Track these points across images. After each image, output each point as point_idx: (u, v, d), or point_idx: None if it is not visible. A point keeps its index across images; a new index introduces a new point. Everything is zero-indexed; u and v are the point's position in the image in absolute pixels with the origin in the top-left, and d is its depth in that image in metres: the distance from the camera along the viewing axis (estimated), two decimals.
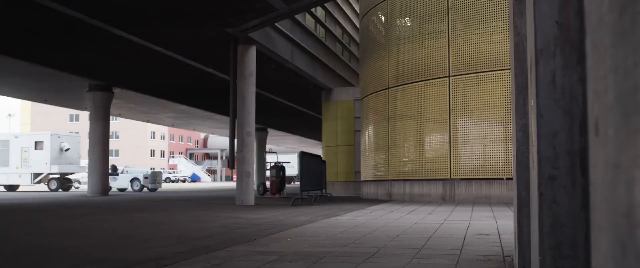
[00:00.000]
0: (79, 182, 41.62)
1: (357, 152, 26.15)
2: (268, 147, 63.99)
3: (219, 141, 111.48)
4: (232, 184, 73.61)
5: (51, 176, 35.03)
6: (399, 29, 20.21)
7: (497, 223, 9.49)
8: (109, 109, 27.38)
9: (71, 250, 6.60)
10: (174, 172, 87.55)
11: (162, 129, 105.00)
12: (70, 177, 36.78)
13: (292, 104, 33.61)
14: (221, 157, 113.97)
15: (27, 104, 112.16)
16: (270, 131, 47.99)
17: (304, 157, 16.93)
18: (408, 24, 19.87)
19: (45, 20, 17.61)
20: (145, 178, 33.52)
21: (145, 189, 33.57)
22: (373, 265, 5.32)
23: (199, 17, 17.26)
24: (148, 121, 43.65)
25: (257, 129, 45.72)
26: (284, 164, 23.71)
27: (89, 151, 27.17)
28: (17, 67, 23.52)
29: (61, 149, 35.28)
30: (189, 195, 27.12)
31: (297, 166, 76.36)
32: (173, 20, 17.63)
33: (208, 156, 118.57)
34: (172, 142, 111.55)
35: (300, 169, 16.63)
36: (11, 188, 36.67)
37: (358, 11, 34.65)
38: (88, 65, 24.09)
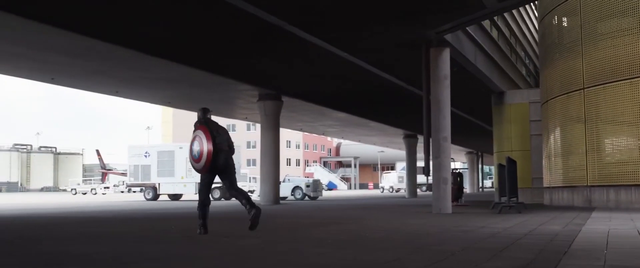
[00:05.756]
0: None
1: (535, 157, 24.87)
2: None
3: (352, 149, 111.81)
4: (372, 192, 73.17)
5: (213, 185, 35.74)
6: (595, 25, 18.88)
7: None
8: (279, 117, 27.57)
9: (392, 264, 6.18)
10: None
11: (296, 138, 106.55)
12: None
13: (457, 110, 32.59)
14: (354, 165, 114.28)
15: (168, 116, 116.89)
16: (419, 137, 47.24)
17: (510, 162, 16.12)
18: (607, 19, 18.52)
19: (241, 28, 17.74)
20: (307, 186, 33.93)
21: (306, 198, 33.80)
22: None
23: (397, 20, 16.76)
24: (301, 130, 44.03)
25: (408, 136, 45.18)
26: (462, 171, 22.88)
27: (261, 160, 27.44)
28: (196, 77, 24.10)
29: None
30: (357, 203, 26.77)
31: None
32: (370, 24, 17.25)
33: (340, 164, 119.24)
34: (306, 150, 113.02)
35: (508, 175, 15.85)
36: (175, 197, 37.85)
37: (525, 11, 33.43)
38: (262, 74, 24.35)
